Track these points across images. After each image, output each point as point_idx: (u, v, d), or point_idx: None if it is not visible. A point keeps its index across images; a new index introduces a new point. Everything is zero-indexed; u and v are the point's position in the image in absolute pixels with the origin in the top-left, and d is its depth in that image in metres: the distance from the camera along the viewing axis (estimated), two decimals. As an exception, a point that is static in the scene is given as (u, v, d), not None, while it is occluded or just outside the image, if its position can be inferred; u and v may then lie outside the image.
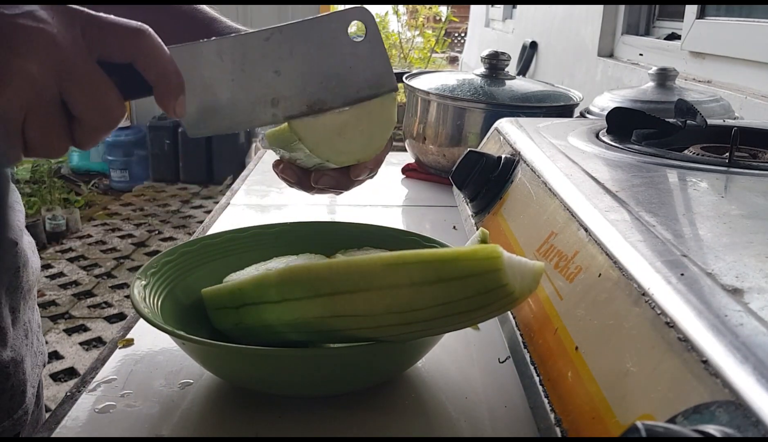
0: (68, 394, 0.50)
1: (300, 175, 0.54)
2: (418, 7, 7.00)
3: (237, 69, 0.47)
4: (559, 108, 1.01)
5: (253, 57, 0.47)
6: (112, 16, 0.41)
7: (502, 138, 0.71)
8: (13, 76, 0.37)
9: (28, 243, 0.66)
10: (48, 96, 0.38)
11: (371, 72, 0.49)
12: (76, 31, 0.39)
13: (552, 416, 0.35)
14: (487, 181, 0.64)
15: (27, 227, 0.67)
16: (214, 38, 0.47)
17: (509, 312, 0.46)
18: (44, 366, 0.70)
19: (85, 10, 0.40)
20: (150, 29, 0.42)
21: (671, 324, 0.30)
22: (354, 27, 0.48)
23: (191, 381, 0.51)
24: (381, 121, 0.52)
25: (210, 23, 0.61)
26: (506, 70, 1.07)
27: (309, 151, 0.51)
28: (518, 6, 3.06)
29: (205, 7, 0.63)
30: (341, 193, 0.56)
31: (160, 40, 0.42)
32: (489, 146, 0.74)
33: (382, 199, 0.99)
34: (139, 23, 0.42)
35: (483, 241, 0.51)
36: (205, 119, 0.47)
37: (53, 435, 0.45)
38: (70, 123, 0.40)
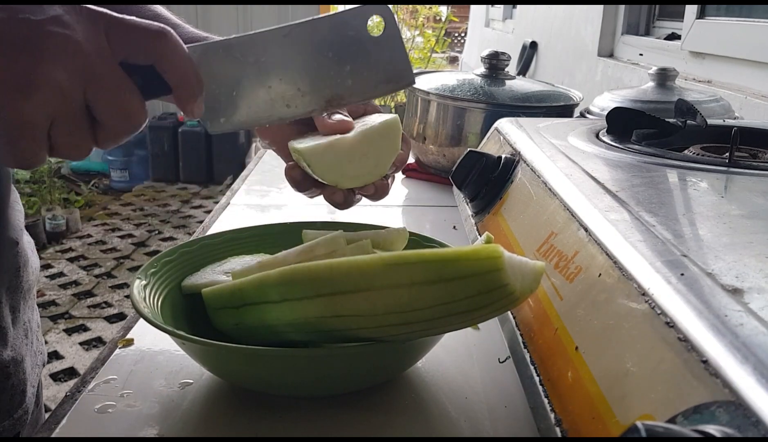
0: (68, 394, 0.50)
1: (311, 183, 0.55)
2: (418, 7, 6.99)
3: (256, 66, 0.47)
4: (559, 108, 1.01)
5: (272, 53, 0.47)
6: (134, 18, 0.41)
7: (502, 138, 0.71)
8: (41, 84, 0.37)
9: (27, 243, 0.66)
10: (74, 102, 0.39)
11: (390, 67, 0.49)
12: (100, 35, 0.40)
13: (552, 416, 0.35)
14: (487, 181, 0.64)
15: (27, 226, 0.67)
16: (233, 36, 0.47)
17: (509, 312, 0.46)
18: (44, 366, 0.70)
19: (108, 11, 0.40)
20: (171, 31, 0.42)
21: (671, 324, 0.30)
22: (373, 22, 0.48)
23: (191, 381, 0.51)
24: (387, 145, 0.53)
25: (173, 29, 0.62)
26: (506, 70, 1.07)
27: (316, 178, 0.52)
28: (518, 6, 3.06)
29: (166, 12, 0.64)
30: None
31: (180, 41, 0.43)
32: (489, 146, 0.74)
33: (382, 199, 0.99)
34: (161, 25, 0.42)
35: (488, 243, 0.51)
36: (225, 116, 0.48)
37: (53, 435, 0.45)
38: (94, 125, 0.40)
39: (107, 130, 0.41)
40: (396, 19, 0.49)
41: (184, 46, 0.43)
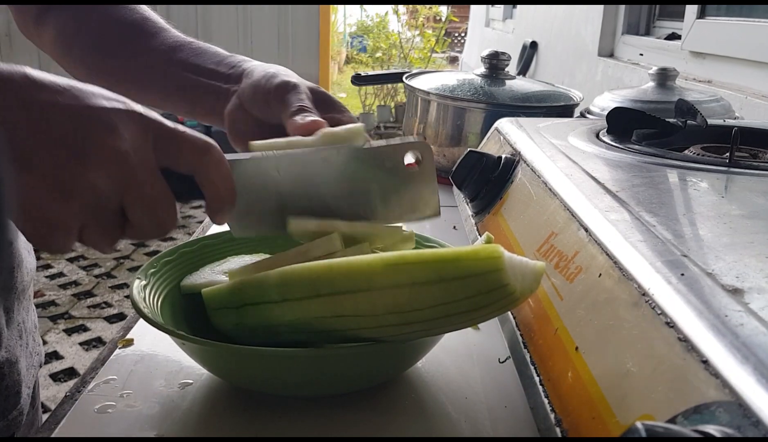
0: (68, 394, 0.50)
1: None
2: (418, 7, 7.00)
3: (291, 184, 0.48)
4: (560, 108, 1.01)
5: (309, 174, 0.48)
6: (182, 131, 0.42)
7: (502, 138, 0.71)
8: (82, 190, 0.37)
9: (23, 243, 0.65)
10: (111, 206, 0.39)
11: (419, 201, 0.50)
12: (147, 144, 0.40)
13: (552, 416, 0.35)
14: (487, 181, 0.64)
15: (26, 227, 0.67)
16: (274, 152, 0.48)
17: (509, 312, 0.46)
18: (41, 367, 0.70)
19: (158, 119, 0.41)
20: (216, 146, 0.43)
21: (671, 324, 0.30)
22: (410, 157, 0.49)
23: (191, 381, 0.51)
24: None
25: (158, 32, 0.63)
26: (506, 70, 1.07)
27: None
28: (518, 6, 3.06)
29: (154, 15, 0.64)
30: None
31: (224, 157, 0.43)
32: (489, 146, 0.74)
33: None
34: (207, 139, 0.43)
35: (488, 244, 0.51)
36: (250, 225, 0.49)
37: (53, 435, 0.45)
38: (124, 223, 0.41)
39: (137, 231, 0.41)
40: (433, 154, 0.50)
41: (227, 163, 0.43)
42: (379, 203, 0.50)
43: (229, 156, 0.45)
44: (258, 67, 0.59)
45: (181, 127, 0.42)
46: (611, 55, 1.79)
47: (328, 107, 0.57)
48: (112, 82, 0.61)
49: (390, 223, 0.51)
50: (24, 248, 0.65)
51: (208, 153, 0.42)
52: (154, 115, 0.41)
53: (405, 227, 0.53)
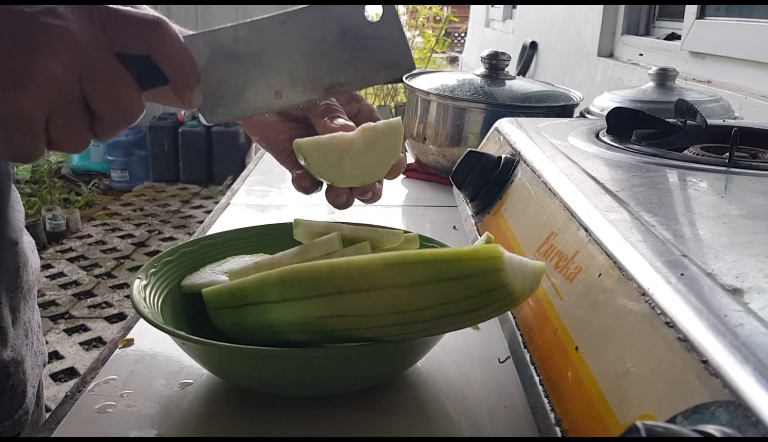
0: (68, 394, 0.50)
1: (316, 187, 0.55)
2: (418, 7, 6.99)
3: (253, 54, 0.47)
4: (559, 108, 1.01)
5: (269, 42, 0.47)
6: (129, 9, 0.41)
7: (502, 138, 0.71)
8: (36, 76, 0.37)
9: (27, 243, 0.66)
10: (71, 94, 0.39)
11: (389, 53, 0.48)
12: (95, 26, 0.39)
13: (552, 416, 0.35)
14: (487, 181, 0.64)
15: (27, 226, 0.67)
16: (229, 24, 0.47)
17: (509, 312, 0.46)
18: (44, 366, 0.70)
19: (103, 5, 0.40)
20: (167, 20, 0.42)
21: (671, 324, 0.30)
22: (371, 8, 0.48)
23: (191, 381, 0.51)
24: (386, 147, 0.52)
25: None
26: (506, 70, 1.07)
27: (313, 175, 0.52)
28: (518, 6, 3.06)
29: (147, 7, 0.64)
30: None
31: (176, 30, 0.43)
32: (489, 146, 0.74)
33: (382, 199, 0.99)
34: (157, 15, 0.42)
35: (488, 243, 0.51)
36: (223, 106, 0.48)
37: (53, 435, 0.45)
38: (91, 117, 0.40)
39: (105, 121, 0.41)
40: (395, 8, 0.48)
41: (180, 36, 0.43)
42: (349, 63, 0.48)
43: (183, 33, 0.44)
44: None
45: (128, 8, 0.41)
46: (611, 56, 1.79)
47: (348, 98, 0.57)
48: None
49: (366, 84, 0.50)
50: (28, 247, 0.66)
51: (159, 27, 0.41)
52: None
53: (404, 227, 0.53)
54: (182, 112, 4.63)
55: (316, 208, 0.92)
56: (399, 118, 0.54)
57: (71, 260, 3.40)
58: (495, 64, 1.06)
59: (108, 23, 0.40)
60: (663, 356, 0.29)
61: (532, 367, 0.40)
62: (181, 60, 0.42)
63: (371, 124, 0.53)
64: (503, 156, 0.65)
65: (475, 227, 0.64)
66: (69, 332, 2.68)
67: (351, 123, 0.54)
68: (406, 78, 1.09)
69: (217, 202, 1.14)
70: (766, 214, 0.45)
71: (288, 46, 0.47)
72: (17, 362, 0.61)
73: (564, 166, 0.55)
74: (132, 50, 0.41)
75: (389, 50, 0.48)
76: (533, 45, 2.42)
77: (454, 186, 0.68)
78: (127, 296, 1.95)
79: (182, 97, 0.44)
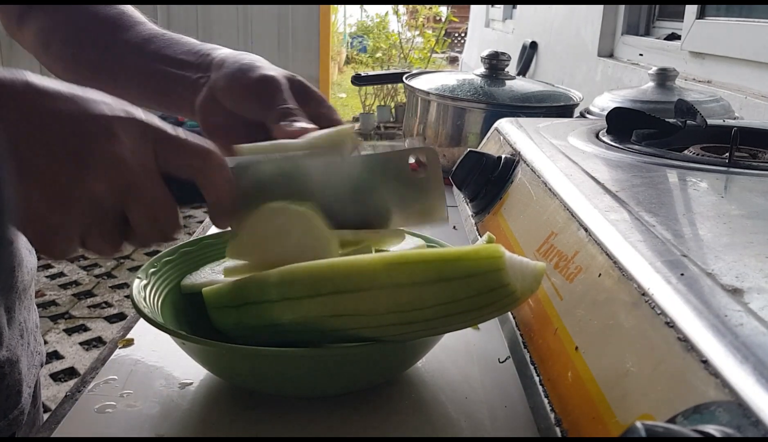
0: (68, 394, 0.50)
1: None
2: (418, 7, 7.00)
3: (294, 188, 0.47)
4: (559, 108, 1.01)
5: (313, 180, 0.47)
6: (182, 135, 0.41)
7: (502, 138, 0.71)
8: (81, 197, 0.37)
9: (24, 242, 0.65)
10: (111, 214, 0.39)
11: (425, 205, 0.49)
12: (147, 148, 0.40)
13: (552, 416, 0.35)
14: (487, 181, 0.64)
15: (27, 226, 0.67)
16: (277, 155, 0.47)
17: (509, 312, 0.46)
18: (42, 366, 0.70)
19: (158, 124, 0.41)
20: (217, 150, 0.42)
21: (671, 324, 0.30)
22: (414, 159, 0.49)
23: (191, 381, 0.51)
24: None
25: (133, 26, 0.62)
26: (506, 70, 1.07)
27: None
28: (518, 6, 3.06)
29: (131, 9, 0.64)
30: None
31: (225, 161, 0.43)
32: (489, 146, 0.74)
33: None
34: (208, 143, 0.42)
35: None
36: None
37: (53, 435, 0.45)
38: (126, 228, 0.41)
39: (139, 236, 0.41)
40: (439, 158, 0.49)
41: (228, 167, 0.43)
42: (385, 209, 0.49)
43: (230, 159, 0.45)
44: (229, 57, 0.57)
45: (182, 133, 0.42)
46: (611, 56, 1.79)
47: (308, 99, 0.56)
48: (87, 75, 0.61)
49: (390, 226, 0.50)
50: (25, 247, 0.65)
51: (208, 158, 0.42)
52: (155, 120, 0.41)
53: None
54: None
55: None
56: (350, 125, 0.52)
57: (71, 260, 3.39)
58: (495, 64, 1.06)
59: (160, 147, 0.40)
60: (663, 356, 0.29)
61: (532, 367, 0.40)
62: (223, 191, 0.43)
63: (320, 132, 0.51)
64: (503, 156, 0.65)
65: (475, 227, 0.64)
66: (69, 331, 2.68)
67: (312, 125, 0.52)
68: (406, 78, 1.09)
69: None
70: (766, 214, 0.45)
71: (328, 187, 0.48)
72: (12, 363, 0.61)
73: (564, 166, 0.55)
74: (179, 175, 0.41)
75: (426, 202, 0.49)
76: (533, 45, 2.42)
77: (454, 186, 0.68)
78: (127, 296, 1.95)
79: (215, 222, 0.45)
